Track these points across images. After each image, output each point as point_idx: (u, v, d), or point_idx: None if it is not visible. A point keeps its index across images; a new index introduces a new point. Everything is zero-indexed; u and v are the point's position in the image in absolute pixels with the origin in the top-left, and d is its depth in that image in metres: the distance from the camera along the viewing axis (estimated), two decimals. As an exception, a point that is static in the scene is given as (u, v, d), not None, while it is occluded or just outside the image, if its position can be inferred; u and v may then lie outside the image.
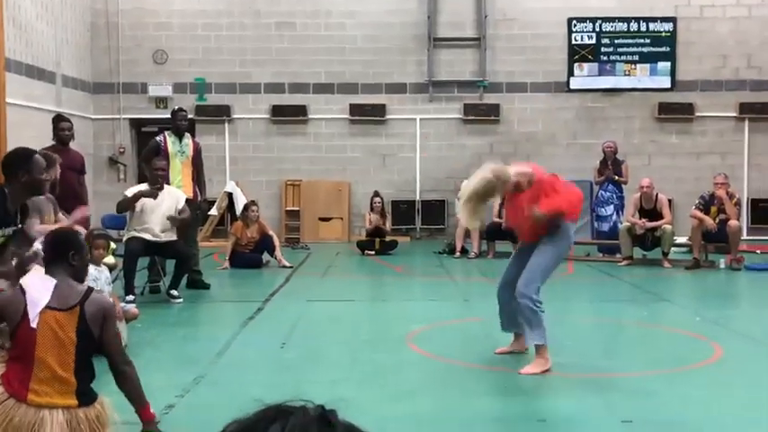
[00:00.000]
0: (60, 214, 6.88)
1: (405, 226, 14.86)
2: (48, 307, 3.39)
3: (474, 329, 6.93)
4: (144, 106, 15.08)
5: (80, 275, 3.68)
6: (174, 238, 8.19)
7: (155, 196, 8.08)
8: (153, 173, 8.29)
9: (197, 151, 9.15)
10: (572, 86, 15.02)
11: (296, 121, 15.03)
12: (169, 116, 9.63)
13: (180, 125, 9.06)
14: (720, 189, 10.82)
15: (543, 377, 5.25)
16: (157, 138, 9.11)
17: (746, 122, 14.94)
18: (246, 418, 0.87)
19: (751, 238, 14.22)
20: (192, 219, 8.64)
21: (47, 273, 3.61)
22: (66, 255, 3.57)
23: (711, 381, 5.22)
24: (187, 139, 9.11)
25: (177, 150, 8.92)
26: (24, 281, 3.58)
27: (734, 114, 14.94)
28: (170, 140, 8.96)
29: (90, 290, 3.51)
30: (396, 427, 4.16)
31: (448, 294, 9.01)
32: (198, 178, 9.12)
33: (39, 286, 3.48)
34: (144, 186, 8.28)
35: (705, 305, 8.58)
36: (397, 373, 5.39)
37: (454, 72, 15.10)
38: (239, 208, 12.51)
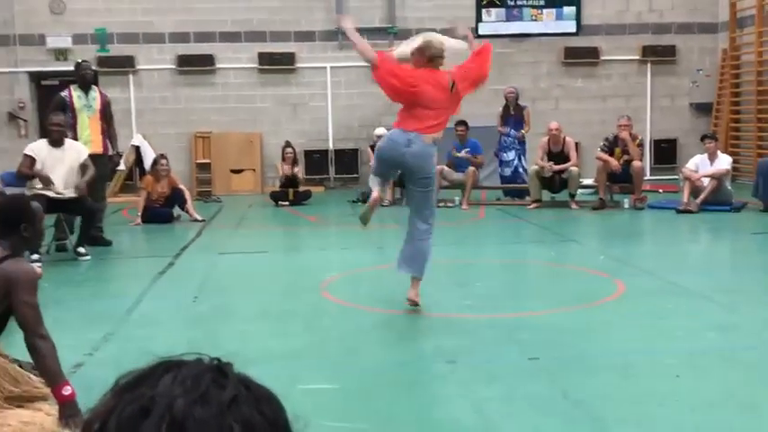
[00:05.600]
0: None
1: (318, 176, 14.80)
2: None
3: (387, 276, 6.98)
4: (43, 58, 14.48)
5: (33, 245, 3.62)
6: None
7: (49, 185, 7.74)
8: (49, 129, 8.00)
9: (105, 104, 8.88)
10: (481, 32, 15.05)
11: (203, 71, 14.70)
12: (71, 68, 9.34)
13: (85, 75, 8.79)
14: (624, 131, 11.10)
15: (453, 319, 5.36)
16: (62, 93, 8.80)
17: (649, 65, 15.34)
18: (139, 371, 0.87)
19: (654, 177, 14.71)
20: (102, 173, 8.42)
21: None
22: (17, 226, 3.46)
23: (613, 316, 5.42)
24: (94, 93, 8.82)
25: (84, 105, 8.65)
26: None
27: (637, 57, 15.31)
28: (75, 94, 8.67)
29: (1, 260, 3.40)
30: (307, 374, 4.20)
31: (362, 242, 9.04)
32: (108, 132, 8.88)
33: None
34: (44, 143, 7.99)
35: (609, 244, 8.88)
36: (309, 321, 5.42)
37: (363, 19, 14.90)
38: (148, 162, 12.24)
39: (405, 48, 5.62)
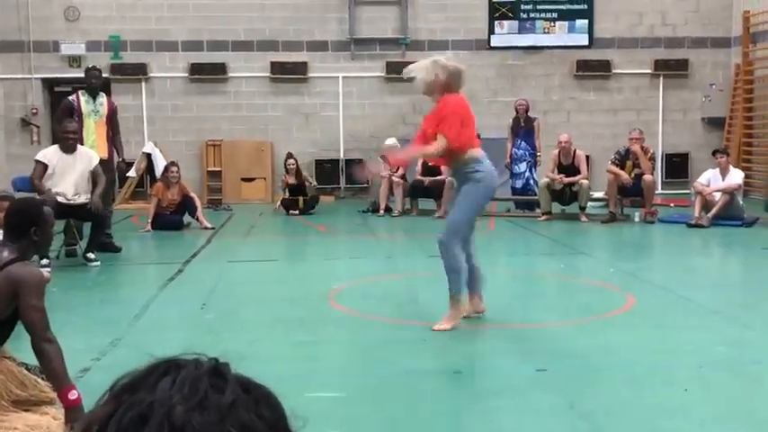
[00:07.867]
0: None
1: (329, 185, 14.81)
2: None
3: (396, 286, 6.99)
4: (56, 65, 14.58)
5: (42, 249, 3.61)
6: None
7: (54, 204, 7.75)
8: (62, 136, 8.03)
9: (112, 111, 8.95)
10: (493, 44, 15.11)
11: (215, 79, 14.76)
12: (83, 75, 9.41)
13: (92, 83, 8.85)
14: (635, 144, 11.07)
15: (460, 330, 5.33)
16: (70, 97, 8.89)
17: (661, 79, 15.30)
18: (137, 372, 0.86)
19: (665, 192, 14.65)
20: (107, 179, 8.45)
21: (4, 239, 3.52)
22: (27, 230, 3.47)
23: (623, 329, 5.38)
24: (101, 98, 8.90)
25: (91, 110, 8.72)
26: None
27: (649, 71, 15.28)
28: (83, 99, 8.75)
29: (9, 262, 3.40)
30: (314, 383, 4.19)
31: (371, 252, 9.05)
32: (114, 139, 8.94)
33: None
34: (55, 149, 8.03)
35: (619, 257, 8.84)
36: (317, 330, 5.41)
37: (376, 29, 15.01)
38: (159, 169, 12.28)
39: (422, 74, 5.49)
